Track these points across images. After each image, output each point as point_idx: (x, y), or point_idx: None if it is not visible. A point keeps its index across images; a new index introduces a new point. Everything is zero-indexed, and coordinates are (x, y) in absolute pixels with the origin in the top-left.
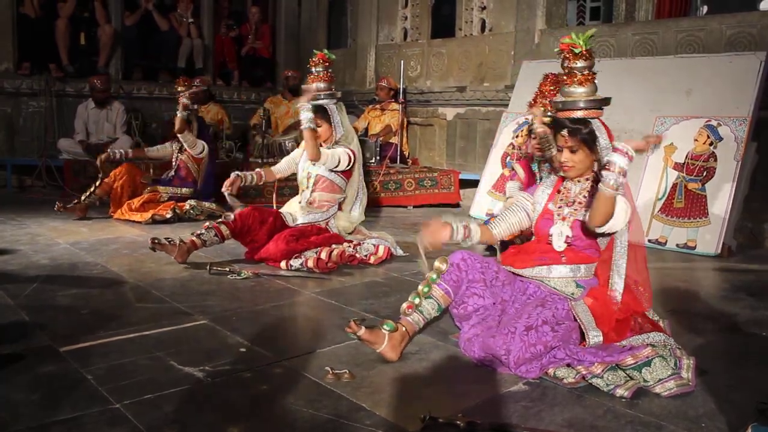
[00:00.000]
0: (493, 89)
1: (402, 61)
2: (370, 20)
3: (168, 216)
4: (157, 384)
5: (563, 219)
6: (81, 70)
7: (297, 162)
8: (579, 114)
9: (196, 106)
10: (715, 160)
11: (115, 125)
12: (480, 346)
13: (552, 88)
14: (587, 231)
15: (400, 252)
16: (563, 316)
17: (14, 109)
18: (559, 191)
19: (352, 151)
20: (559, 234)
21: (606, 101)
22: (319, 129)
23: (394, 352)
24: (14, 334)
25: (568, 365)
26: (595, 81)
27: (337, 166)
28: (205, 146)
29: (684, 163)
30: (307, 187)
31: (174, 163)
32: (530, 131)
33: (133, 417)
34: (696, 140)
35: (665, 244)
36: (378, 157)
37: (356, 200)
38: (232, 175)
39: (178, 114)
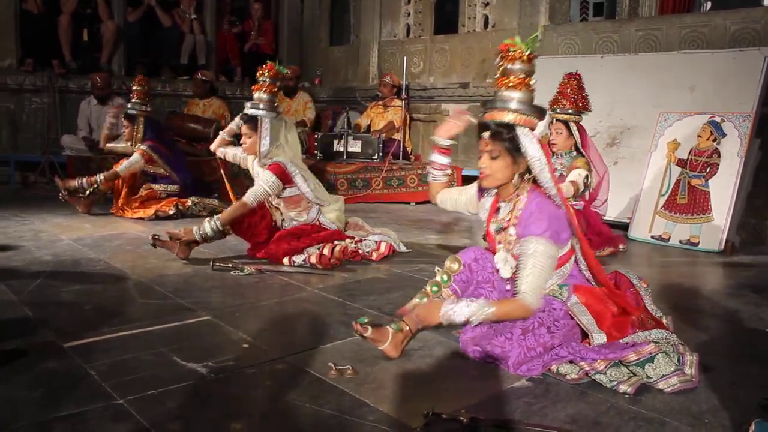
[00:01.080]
0: None
1: (405, 58)
2: (372, 16)
3: (171, 212)
4: (160, 380)
5: (505, 247)
6: (84, 67)
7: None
8: (507, 117)
9: (144, 108)
10: (719, 156)
11: (117, 122)
12: (480, 348)
13: (570, 92)
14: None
15: (402, 248)
16: (561, 315)
17: (17, 105)
18: (496, 210)
19: (272, 168)
20: (504, 263)
21: (540, 111)
22: (248, 140)
23: (395, 351)
24: (17, 330)
25: (571, 362)
26: (532, 90)
27: (274, 191)
28: (137, 158)
29: (687, 160)
30: (277, 207)
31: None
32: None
33: (137, 413)
34: (699, 136)
35: (668, 240)
36: (381, 154)
37: (316, 194)
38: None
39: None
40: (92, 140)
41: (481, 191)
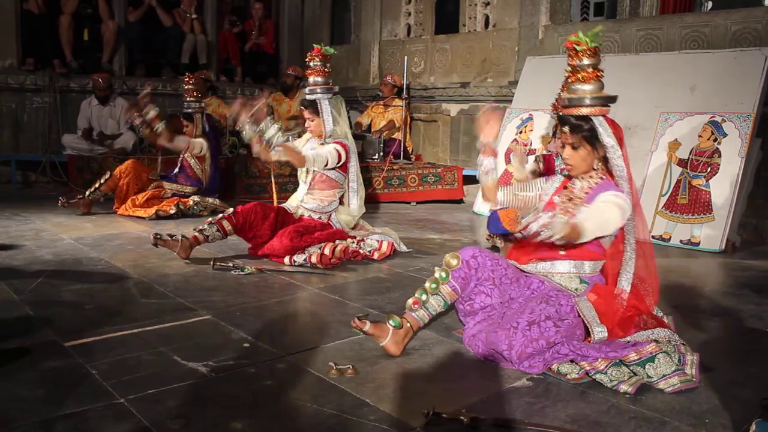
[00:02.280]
0: (497, 85)
1: (405, 57)
2: (373, 16)
3: (172, 212)
4: (161, 379)
5: (565, 214)
6: (85, 66)
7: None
8: (584, 111)
9: (202, 104)
10: (720, 156)
11: (119, 121)
12: (483, 341)
13: None
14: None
15: (403, 248)
16: (567, 312)
17: (18, 105)
18: (566, 187)
19: (342, 145)
20: (550, 216)
21: (612, 99)
22: (311, 123)
23: (396, 347)
24: (19, 329)
25: (572, 361)
26: (601, 79)
27: (326, 165)
28: (204, 145)
29: (688, 159)
30: (305, 182)
31: (179, 161)
32: (554, 132)
33: (138, 412)
34: (700, 136)
35: (669, 240)
36: (381, 153)
37: (353, 193)
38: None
39: (158, 130)
40: (91, 133)
41: (545, 180)
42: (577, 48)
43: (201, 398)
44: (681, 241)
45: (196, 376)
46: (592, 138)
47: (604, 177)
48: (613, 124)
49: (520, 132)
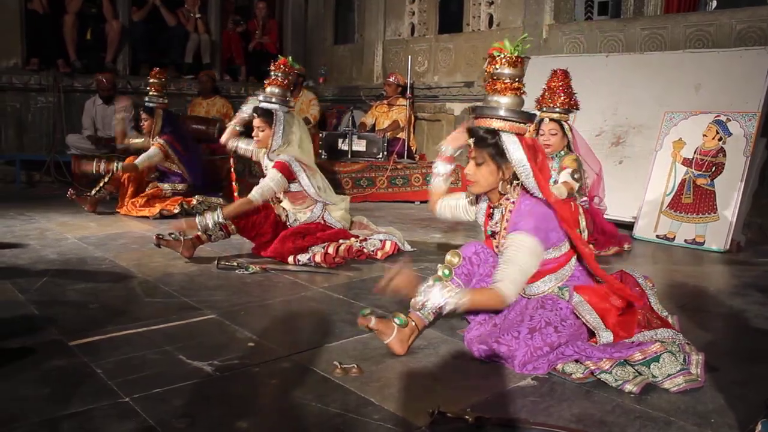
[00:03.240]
0: None
1: (409, 57)
2: (377, 15)
3: (176, 211)
4: (166, 378)
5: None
6: (89, 66)
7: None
8: (495, 124)
9: (162, 100)
10: (724, 155)
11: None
12: (485, 347)
13: (560, 83)
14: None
15: (407, 247)
16: (567, 314)
17: (23, 104)
18: (489, 215)
19: (278, 165)
20: None
21: (530, 117)
22: (261, 133)
23: (401, 346)
24: (24, 328)
25: (577, 361)
26: (521, 94)
27: (275, 192)
28: (156, 151)
29: (693, 159)
30: (281, 201)
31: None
32: (538, 128)
33: (143, 411)
34: (705, 135)
35: (673, 239)
36: (385, 153)
37: (322, 195)
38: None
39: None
40: (98, 137)
41: (477, 196)
42: (495, 55)
43: (206, 397)
44: (685, 241)
45: (201, 375)
46: (496, 155)
47: (516, 196)
48: (528, 145)
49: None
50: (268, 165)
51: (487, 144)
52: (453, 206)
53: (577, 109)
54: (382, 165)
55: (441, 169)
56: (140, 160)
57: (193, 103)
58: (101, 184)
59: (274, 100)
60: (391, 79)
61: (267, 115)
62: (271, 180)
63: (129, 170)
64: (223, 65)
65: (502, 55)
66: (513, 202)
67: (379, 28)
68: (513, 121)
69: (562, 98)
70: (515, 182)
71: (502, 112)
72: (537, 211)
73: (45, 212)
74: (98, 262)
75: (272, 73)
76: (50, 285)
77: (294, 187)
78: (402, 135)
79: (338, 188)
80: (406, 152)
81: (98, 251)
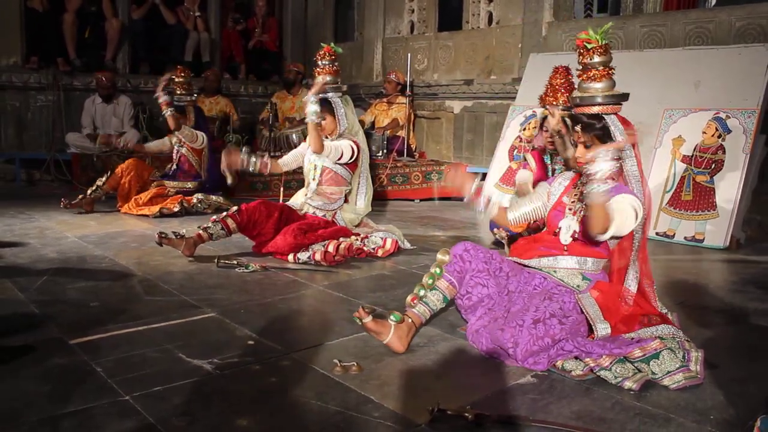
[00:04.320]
0: (501, 82)
1: (409, 55)
2: (376, 13)
3: (176, 209)
4: (166, 376)
5: (573, 213)
6: (88, 64)
7: (303, 155)
8: (595, 109)
9: (194, 96)
10: (724, 152)
11: (123, 119)
12: (488, 338)
13: (562, 81)
14: (589, 237)
15: (407, 245)
16: (570, 309)
17: (22, 103)
18: (575, 185)
19: (355, 142)
20: (567, 228)
21: (624, 96)
22: (323, 122)
23: (400, 344)
24: (24, 326)
25: (576, 358)
26: (613, 77)
27: (340, 158)
28: (204, 137)
29: (692, 156)
30: (314, 179)
31: (175, 157)
32: (542, 124)
33: (143, 409)
34: (704, 132)
35: (673, 236)
36: (385, 151)
37: (361, 192)
38: (236, 154)
39: (166, 113)
40: (97, 136)
41: (551, 180)
42: (588, 46)
43: (206, 395)
44: (685, 238)
45: (201, 374)
46: (604, 136)
47: (615, 178)
48: (625, 122)
49: (524, 129)
50: (318, 164)
51: (596, 128)
52: (531, 212)
53: None
54: (381, 163)
55: (481, 203)
56: (187, 130)
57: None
58: (99, 183)
59: (328, 88)
60: (390, 77)
61: (326, 104)
62: (344, 145)
63: (173, 125)
64: (223, 63)
65: (593, 45)
66: (612, 179)
67: (379, 26)
68: (612, 103)
69: (565, 95)
70: None
71: (599, 99)
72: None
73: (45, 211)
74: (98, 260)
75: (319, 62)
76: (50, 283)
77: (342, 170)
78: (402, 133)
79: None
80: (405, 150)
81: (98, 250)
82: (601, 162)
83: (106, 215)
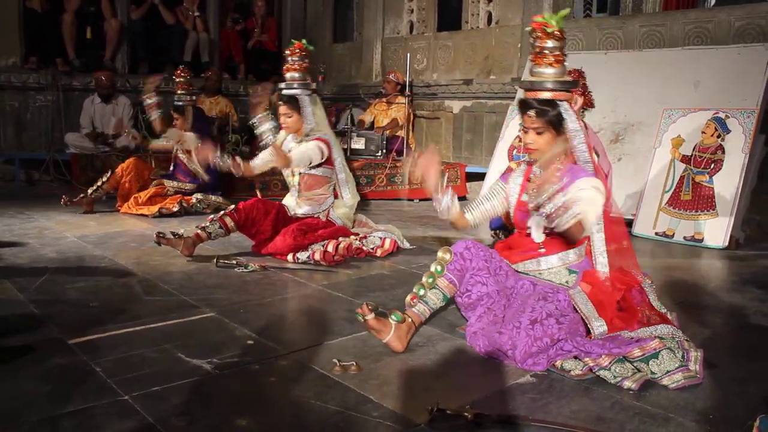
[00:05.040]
0: (500, 82)
1: (408, 54)
2: (376, 13)
3: (175, 209)
4: (165, 376)
5: (537, 209)
6: (87, 64)
7: (272, 160)
8: (547, 95)
9: (194, 96)
10: (723, 152)
11: (122, 119)
12: (485, 340)
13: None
14: (573, 242)
15: (406, 245)
16: (566, 307)
17: (21, 103)
18: (529, 179)
19: (322, 140)
20: (537, 225)
21: (575, 83)
22: (288, 120)
23: (400, 343)
24: (24, 326)
25: (576, 357)
26: (565, 63)
27: (311, 163)
28: (194, 138)
29: (691, 156)
30: (295, 186)
31: (173, 159)
32: None
33: (142, 409)
34: (704, 132)
35: (672, 236)
36: (384, 151)
37: (344, 184)
38: (208, 151)
39: (153, 117)
40: (96, 134)
41: (505, 178)
42: (547, 29)
43: (205, 395)
44: (684, 238)
45: (201, 373)
46: (556, 123)
47: (562, 163)
48: (575, 112)
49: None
50: (293, 147)
51: (549, 114)
52: (489, 210)
53: (592, 107)
54: (381, 163)
55: (444, 201)
56: (173, 131)
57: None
58: (99, 183)
59: (295, 85)
60: (390, 77)
61: (292, 101)
62: (312, 149)
63: (159, 128)
64: (222, 63)
65: (552, 29)
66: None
67: (378, 26)
68: (566, 90)
69: (577, 96)
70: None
71: (550, 84)
72: (585, 172)
73: (44, 211)
74: (97, 260)
75: (288, 58)
76: (49, 283)
77: (319, 170)
78: (401, 133)
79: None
80: (405, 150)
81: (97, 250)
82: (548, 196)
83: (106, 215)
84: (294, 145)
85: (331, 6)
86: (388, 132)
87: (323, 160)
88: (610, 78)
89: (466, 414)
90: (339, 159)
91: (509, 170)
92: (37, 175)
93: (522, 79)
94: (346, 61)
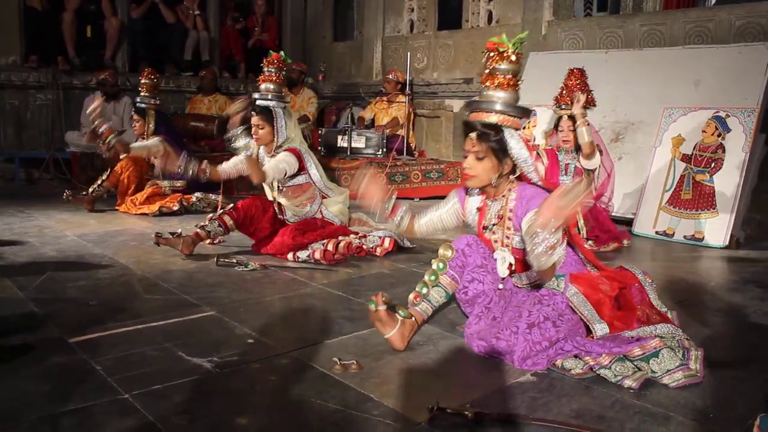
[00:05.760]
0: None
1: (408, 53)
2: (376, 12)
3: (175, 208)
4: (165, 374)
5: (503, 245)
6: (88, 63)
7: (244, 167)
8: (493, 119)
9: (154, 101)
10: (723, 151)
11: (123, 118)
12: (484, 343)
13: (578, 82)
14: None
15: (407, 244)
16: (563, 308)
17: (22, 102)
18: (487, 209)
19: (292, 151)
20: (503, 260)
21: (526, 112)
22: (260, 131)
23: (401, 341)
24: (24, 325)
25: (576, 356)
26: (518, 90)
27: (286, 174)
28: (158, 143)
29: (692, 155)
30: (277, 196)
31: (148, 162)
32: (556, 125)
33: (142, 407)
34: (704, 131)
35: (673, 235)
36: (384, 150)
37: (327, 189)
38: (173, 158)
39: (112, 142)
40: (96, 133)
41: (464, 195)
42: (500, 50)
43: (205, 394)
44: (685, 237)
45: (201, 372)
46: (499, 150)
47: (514, 187)
48: (525, 141)
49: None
50: (267, 159)
51: (491, 139)
52: (436, 219)
53: (594, 105)
54: (381, 162)
55: (397, 220)
56: (137, 145)
57: (193, 100)
58: (99, 182)
59: (270, 96)
60: (390, 76)
61: (265, 113)
62: (283, 160)
63: (122, 151)
64: (222, 62)
65: (503, 50)
66: (512, 193)
67: (378, 24)
68: (513, 116)
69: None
70: (511, 176)
71: (499, 107)
72: (542, 194)
73: (44, 209)
74: (97, 259)
75: (265, 69)
76: (49, 282)
77: (298, 179)
78: (401, 132)
79: (337, 185)
80: (405, 149)
81: (97, 248)
82: (540, 245)
83: (106, 214)
84: (267, 159)
85: (332, 5)
86: (388, 131)
87: (296, 171)
88: (610, 77)
89: (466, 413)
90: (314, 169)
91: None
92: (37, 173)
93: (469, 101)
94: (346, 60)
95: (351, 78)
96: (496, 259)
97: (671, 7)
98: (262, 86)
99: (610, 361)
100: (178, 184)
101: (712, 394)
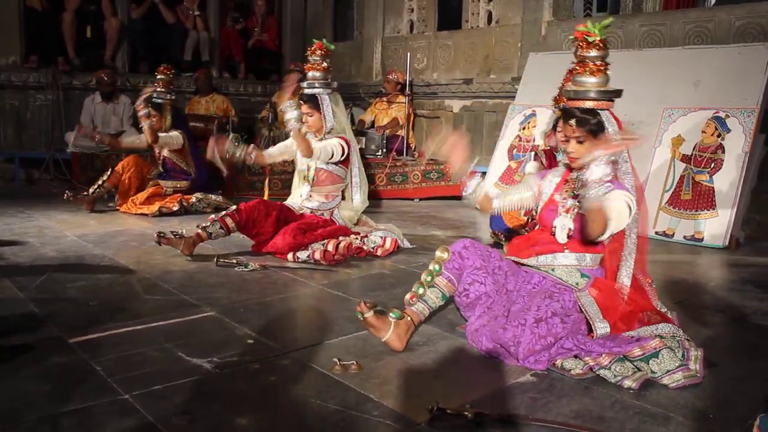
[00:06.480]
0: (500, 81)
1: (408, 54)
2: (376, 12)
3: (175, 208)
4: (165, 375)
5: (567, 211)
6: (88, 63)
7: (291, 150)
8: (589, 104)
9: (173, 95)
10: (723, 151)
11: (122, 119)
12: (488, 336)
13: None
14: (586, 238)
15: (407, 244)
16: (571, 308)
17: (21, 102)
18: (566, 181)
19: (344, 140)
20: (562, 227)
21: (618, 93)
22: (310, 119)
23: (399, 342)
24: (24, 325)
25: (576, 356)
26: (608, 72)
27: (332, 158)
28: (180, 136)
29: (692, 155)
30: (307, 180)
31: (159, 160)
32: (554, 125)
33: (142, 408)
34: (704, 132)
35: (672, 236)
36: (384, 150)
37: (356, 187)
38: (223, 143)
39: (144, 126)
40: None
41: (542, 175)
42: (588, 39)
43: (205, 394)
44: (684, 237)
45: (201, 372)
46: (597, 132)
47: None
48: (616, 119)
49: (523, 128)
50: (311, 164)
51: (590, 123)
52: (516, 200)
53: None
54: (381, 162)
55: (471, 184)
56: (163, 136)
57: (191, 101)
58: (100, 182)
59: (316, 84)
60: (390, 77)
61: (313, 100)
62: (334, 144)
63: (149, 141)
64: (222, 62)
65: (594, 39)
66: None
67: (378, 25)
68: (607, 99)
69: None
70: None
71: (593, 94)
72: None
73: (44, 210)
74: (98, 259)
75: (310, 58)
76: (50, 282)
77: (336, 169)
78: (401, 132)
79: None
80: (405, 149)
81: (98, 249)
82: (597, 168)
83: (106, 214)
84: (317, 143)
85: (332, 5)
86: (388, 131)
87: (342, 159)
88: (610, 77)
89: (466, 413)
90: (356, 161)
91: (510, 170)
92: (37, 174)
93: (565, 89)
94: (346, 61)
95: (351, 78)
96: (555, 226)
97: (671, 7)
98: (309, 74)
99: (609, 362)
100: (181, 184)
101: (712, 394)
